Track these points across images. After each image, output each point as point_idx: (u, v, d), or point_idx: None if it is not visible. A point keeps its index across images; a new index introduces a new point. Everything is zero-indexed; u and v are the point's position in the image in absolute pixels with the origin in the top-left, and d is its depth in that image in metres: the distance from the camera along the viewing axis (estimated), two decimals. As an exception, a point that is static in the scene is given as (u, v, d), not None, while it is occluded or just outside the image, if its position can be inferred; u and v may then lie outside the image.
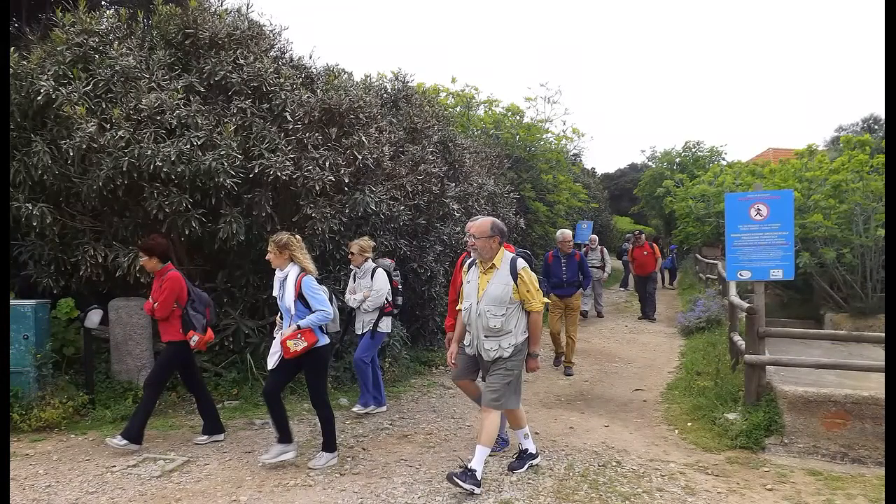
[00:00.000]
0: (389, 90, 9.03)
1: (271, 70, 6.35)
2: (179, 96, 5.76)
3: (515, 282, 4.07)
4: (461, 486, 3.88)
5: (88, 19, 6.09)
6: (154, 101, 5.60)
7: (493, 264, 4.14)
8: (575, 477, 4.32)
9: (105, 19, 6.34)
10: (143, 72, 5.95)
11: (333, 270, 6.71)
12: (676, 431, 5.45)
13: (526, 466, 4.41)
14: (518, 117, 15.62)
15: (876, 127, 30.51)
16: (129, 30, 6.57)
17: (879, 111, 33.88)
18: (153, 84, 5.86)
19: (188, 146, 5.47)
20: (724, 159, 25.50)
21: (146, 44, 6.55)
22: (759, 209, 5.76)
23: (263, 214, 5.98)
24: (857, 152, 9.67)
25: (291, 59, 7.45)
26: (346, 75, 7.66)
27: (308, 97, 6.34)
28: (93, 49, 5.95)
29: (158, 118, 5.60)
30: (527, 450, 4.47)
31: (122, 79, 5.81)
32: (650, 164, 30.62)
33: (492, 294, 4.08)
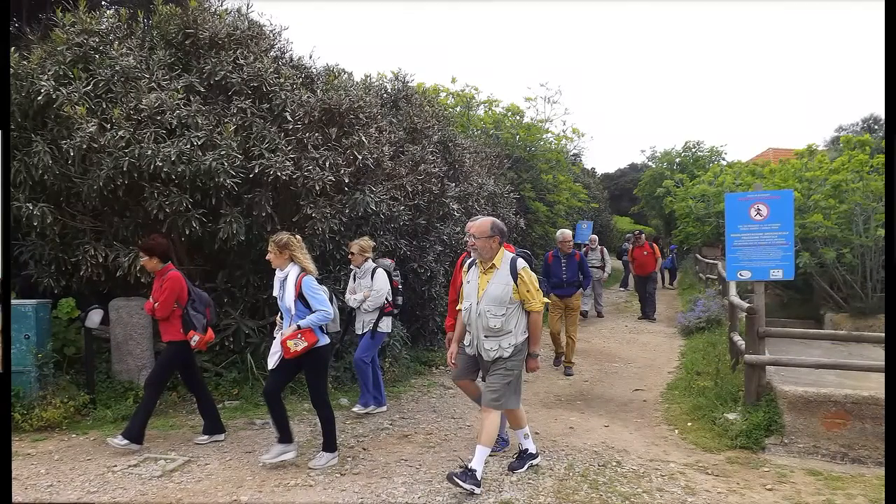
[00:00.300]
0: (389, 90, 9.03)
1: (271, 70, 6.36)
2: (179, 96, 5.76)
3: (515, 282, 4.07)
4: (461, 486, 3.89)
5: (88, 19, 6.09)
6: (154, 101, 5.60)
7: (493, 264, 4.15)
8: (575, 477, 4.33)
9: (105, 19, 6.34)
10: (143, 72, 5.95)
11: (333, 270, 6.72)
12: (676, 431, 5.46)
13: (526, 466, 4.41)
14: (518, 117, 15.62)
15: (876, 127, 30.49)
16: (129, 30, 6.57)
17: (879, 111, 33.83)
18: (153, 84, 5.86)
19: (188, 146, 5.47)
20: (724, 159, 25.51)
21: (146, 44, 6.55)
22: (759, 209, 5.77)
23: (263, 214, 5.99)
24: (857, 152, 9.68)
25: (291, 59, 7.45)
26: (346, 75, 7.66)
27: (308, 97, 6.35)
28: (93, 49, 5.96)
29: (158, 118, 5.61)
30: (527, 450, 4.47)
31: (122, 79, 5.82)
32: (650, 164, 30.63)
33: (492, 294, 4.09)
